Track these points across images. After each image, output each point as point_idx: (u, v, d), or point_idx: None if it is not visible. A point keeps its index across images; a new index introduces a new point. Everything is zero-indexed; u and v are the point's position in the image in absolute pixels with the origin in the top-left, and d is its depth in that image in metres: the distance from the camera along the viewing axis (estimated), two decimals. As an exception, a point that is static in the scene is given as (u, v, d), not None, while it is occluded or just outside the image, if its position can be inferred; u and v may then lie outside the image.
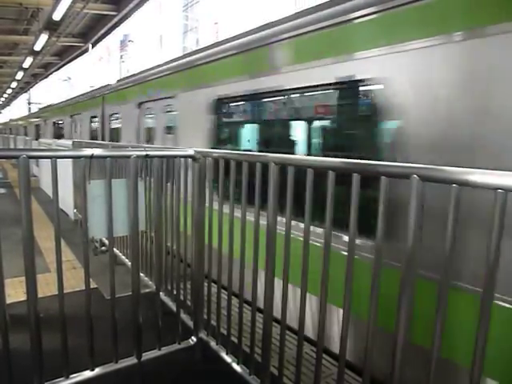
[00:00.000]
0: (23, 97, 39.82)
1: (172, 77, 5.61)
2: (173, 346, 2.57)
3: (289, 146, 3.71)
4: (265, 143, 4.15)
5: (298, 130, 3.68)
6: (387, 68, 2.60)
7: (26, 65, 18.62)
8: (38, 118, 18.37)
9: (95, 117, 9.43)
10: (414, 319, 1.42)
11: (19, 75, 22.54)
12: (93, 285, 2.79)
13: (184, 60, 5.40)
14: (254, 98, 4.08)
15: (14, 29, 16.31)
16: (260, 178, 2.06)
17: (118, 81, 8.53)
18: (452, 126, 2.26)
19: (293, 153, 3.59)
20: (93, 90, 10.69)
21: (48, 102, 21.82)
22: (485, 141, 2.11)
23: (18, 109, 44.15)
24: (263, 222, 2.04)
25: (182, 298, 2.85)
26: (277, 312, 2.04)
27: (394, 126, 2.61)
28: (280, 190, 1.96)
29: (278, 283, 2.02)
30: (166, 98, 5.68)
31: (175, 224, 2.81)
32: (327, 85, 3.13)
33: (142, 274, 3.19)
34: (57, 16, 11.03)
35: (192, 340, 2.69)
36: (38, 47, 14.64)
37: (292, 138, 3.76)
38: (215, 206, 2.43)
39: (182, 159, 2.69)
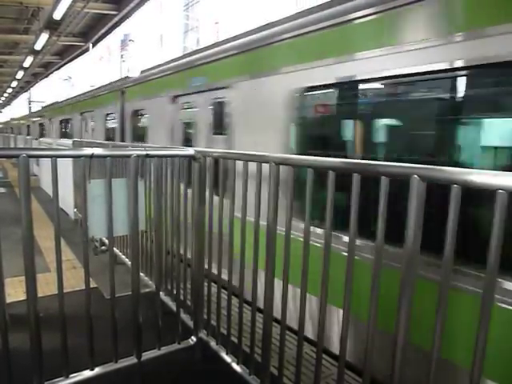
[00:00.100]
0: (24, 96, 39.79)
1: (223, 62, 4.41)
2: (173, 345, 2.57)
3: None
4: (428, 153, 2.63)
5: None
6: None
7: (26, 64, 18.60)
8: (41, 116, 17.51)
9: (111, 113, 8.25)
10: (413, 319, 1.42)
11: (20, 74, 22.52)
12: (93, 284, 2.79)
13: (241, 40, 4.25)
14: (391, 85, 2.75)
15: (15, 28, 16.29)
16: (260, 177, 2.06)
17: (143, 71, 7.28)
18: None
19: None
20: (108, 84, 9.39)
21: (49, 101, 21.72)
22: None
23: (18, 108, 44.17)
24: (263, 222, 2.04)
25: (181, 297, 2.85)
26: (277, 312, 2.03)
27: None
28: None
29: (277, 283, 2.02)
30: (214, 89, 4.61)
31: (175, 224, 2.81)
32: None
33: (141, 274, 3.19)
34: (57, 15, 11.01)
35: (192, 340, 2.69)
36: (38, 46, 14.62)
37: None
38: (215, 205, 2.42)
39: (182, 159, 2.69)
